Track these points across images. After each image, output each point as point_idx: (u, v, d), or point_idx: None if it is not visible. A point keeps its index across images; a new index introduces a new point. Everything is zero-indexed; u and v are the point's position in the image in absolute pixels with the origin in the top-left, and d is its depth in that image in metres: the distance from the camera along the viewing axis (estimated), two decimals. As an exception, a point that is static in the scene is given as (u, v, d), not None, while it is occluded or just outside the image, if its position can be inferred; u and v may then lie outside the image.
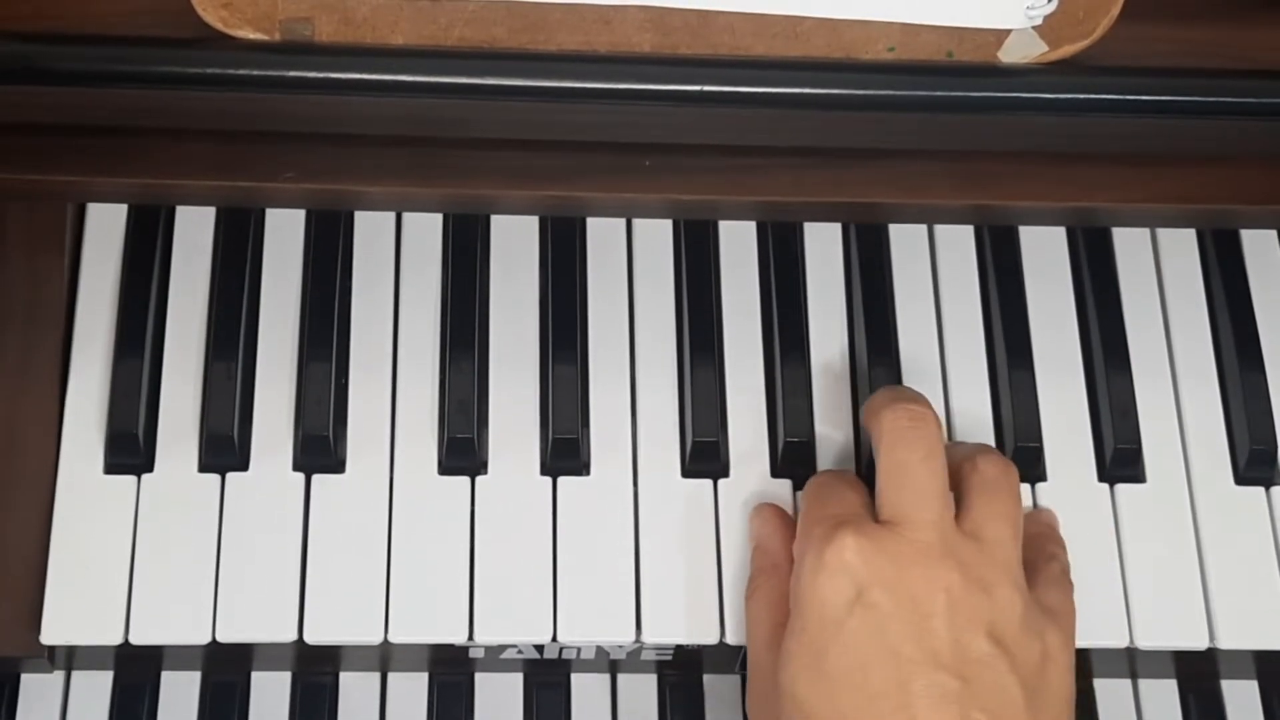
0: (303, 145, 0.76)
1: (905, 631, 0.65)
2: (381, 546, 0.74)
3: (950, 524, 0.68)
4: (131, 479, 0.74)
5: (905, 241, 0.81)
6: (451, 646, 0.74)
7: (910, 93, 0.71)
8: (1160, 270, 0.82)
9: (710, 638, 0.73)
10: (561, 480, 0.75)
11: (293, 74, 0.68)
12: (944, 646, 0.65)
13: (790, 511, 0.75)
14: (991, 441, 0.78)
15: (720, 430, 0.76)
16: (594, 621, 0.73)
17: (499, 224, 0.80)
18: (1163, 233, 0.82)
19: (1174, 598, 0.75)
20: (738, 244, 0.80)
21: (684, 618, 0.74)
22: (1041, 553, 0.72)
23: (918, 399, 0.71)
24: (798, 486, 0.76)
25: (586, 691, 0.78)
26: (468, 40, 0.70)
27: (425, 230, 0.80)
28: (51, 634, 0.72)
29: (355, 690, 0.77)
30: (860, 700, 0.65)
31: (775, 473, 0.76)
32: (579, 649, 0.76)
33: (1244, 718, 0.80)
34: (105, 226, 0.78)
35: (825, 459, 0.77)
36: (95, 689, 0.76)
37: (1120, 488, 0.77)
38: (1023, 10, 0.71)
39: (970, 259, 0.81)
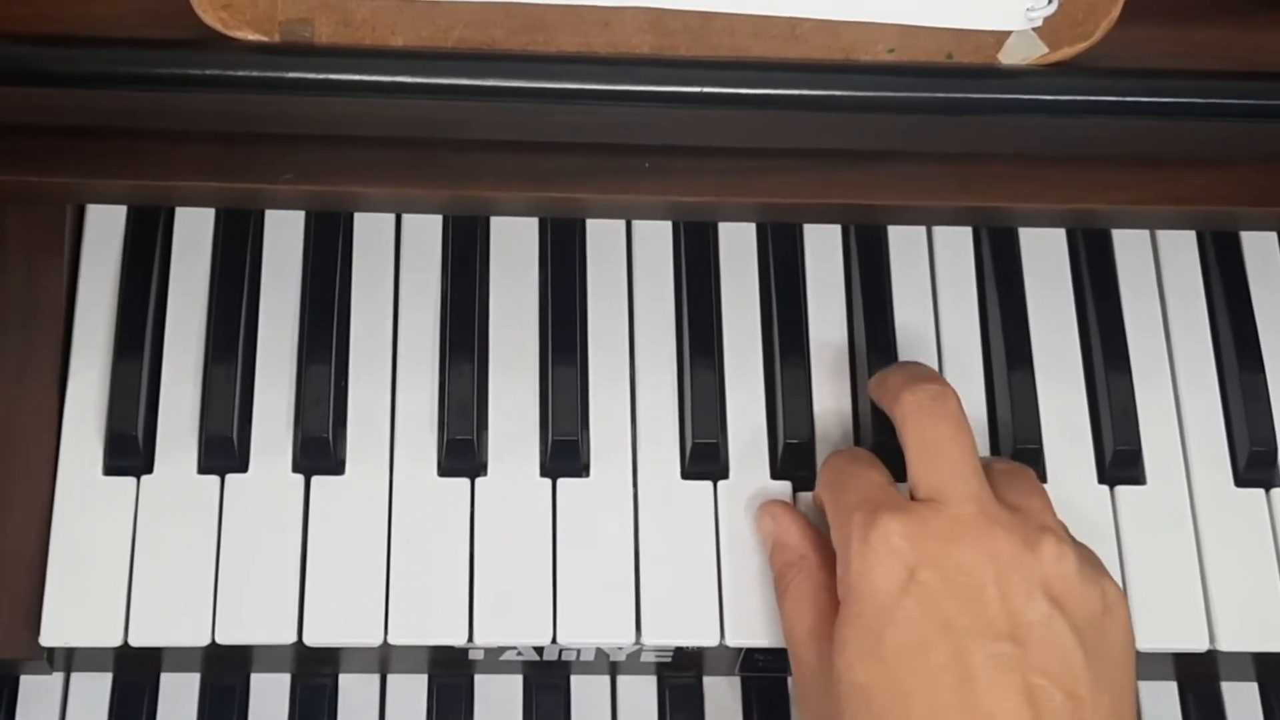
0: (302, 146, 0.76)
1: (959, 605, 0.65)
2: (381, 548, 0.73)
3: (989, 495, 0.68)
4: (131, 480, 0.74)
5: (904, 243, 0.81)
6: (451, 648, 0.74)
7: (910, 94, 0.71)
8: (1160, 272, 0.82)
9: (710, 639, 0.73)
10: (561, 482, 0.75)
11: (292, 75, 0.68)
12: (998, 614, 0.65)
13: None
14: (989, 443, 0.78)
15: (720, 432, 0.76)
16: (594, 623, 0.73)
17: (498, 225, 0.80)
18: (1162, 234, 0.82)
19: (1174, 599, 0.75)
20: (737, 246, 0.80)
21: (684, 619, 0.73)
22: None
23: (934, 376, 0.72)
24: (798, 488, 0.76)
25: (586, 693, 0.78)
26: (467, 41, 0.70)
27: (425, 232, 0.79)
28: (51, 635, 0.72)
29: (355, 692, 0.77)
30: (921, 677, 0.65)
31: (775, 474, 0.76)
32: (579, 651, 0.76)
33: (1244, 719, 0.80)
34: (105, 228, 0.78)
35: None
36: (94, 690, 0.76)
37: (1120, 489, 0.77)
38: (1023, 12, 0.71)
39: (969, 261, 0.81)
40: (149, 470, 0.74)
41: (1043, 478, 0.77)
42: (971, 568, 0.66)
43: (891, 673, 0.65)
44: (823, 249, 0.80)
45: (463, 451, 0.75)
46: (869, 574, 0.66)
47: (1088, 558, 0.69)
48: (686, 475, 0.76)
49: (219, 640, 0.72)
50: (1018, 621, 0.65)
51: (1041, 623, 0.65)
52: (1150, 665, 0.79)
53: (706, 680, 0.78)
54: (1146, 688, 0.80)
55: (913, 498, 0.69)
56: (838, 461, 0.73)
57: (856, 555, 0.67)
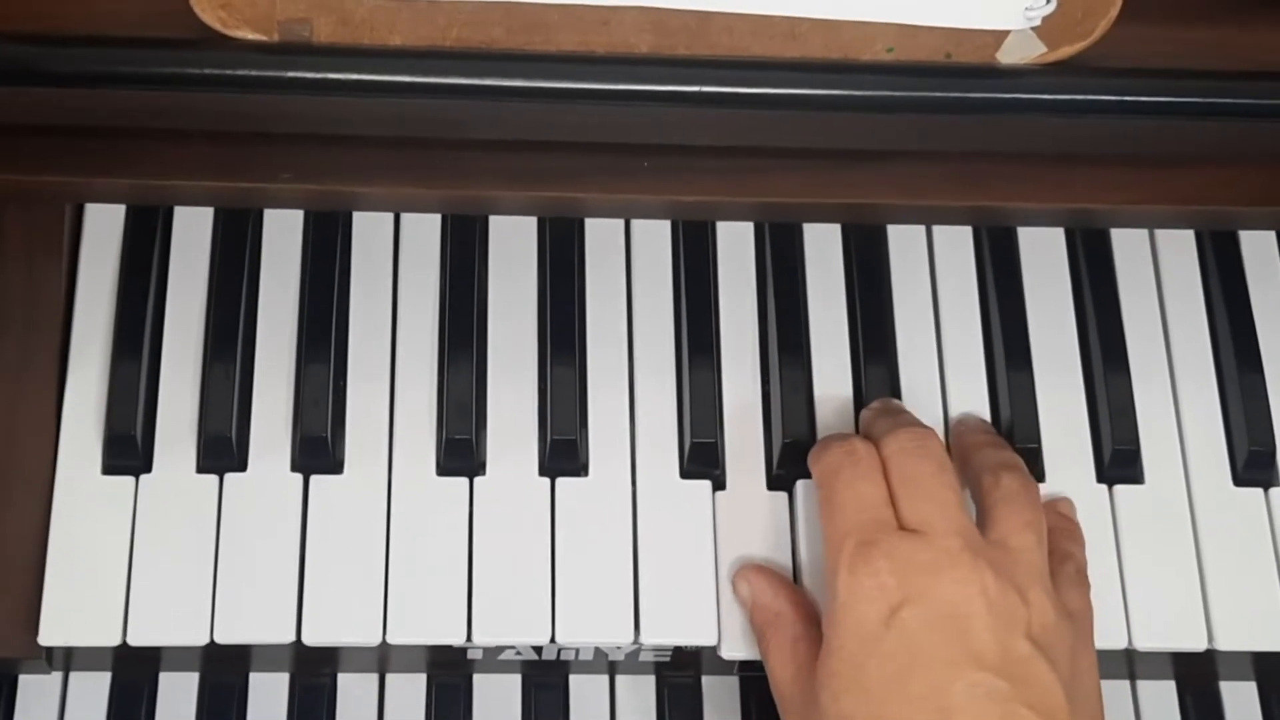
0: (301, 146, 0.76)
1: (945, 636, 0.66)
2: (380, 547, 0.73)
3: (974, 531, 0.69)
4: (129, 480, 0.74)
5: (904, 242, 0.81)
6: (450, 648, 0.74)
7: (909, 94, 0.71)
8: (1159, 272, 0.82)
9: (709, 639, 0.73)
10: (560, 481, 0.75)
11: (291, 74, 0.68)
12: (987, 647, 0.66)
13: (785, 519, 0.76)
14: (990, 442, 0.78)
15: (718, 432, 0.76)
16: (592, 622, 0.73)
17: (497, 225, 0.80)
18: (1161, 234, 0.82)
19: (1172, 599, 0.75)
20: (736, 245, 0.80)
21: (682, 619, 0.73)
22: (1056, 552, 0.73)
23: (917, 422, 0.73)
24: (795, 485, 0.76)
25: (585, 693, 0.78)
26: (466, 41, 0.70)
27: (424, 231, 0.79)
28: (49, 635, 0.72)
29: (353, 692, 0.77)
30: (901, 706, 0.65)
31: (773, 474, 0.76)
32: (577, 650, 0.76)
33: (1242, 719, 0.80)
34: (103, 227, 0.78)
35: (824, 460, 0.76)
36: (93, 690, 0.76)
37: (1119, 489, 0.77)
38: (1021, 11, 0.70)
39: (969, 260, 0.81)
40: (148, 470, 0.74)
41: (1041, 477, 0.77)
42: (959, 600, 0.66)
43: (874, 702, 0.66)
44: (822, 248, 0.80)
45: (461, 451, 0.75)
46: (854, 606, 0.67)
47: (1067, 605, 0.70)
48: (685, 475, 0.76)
49: (218, 640, 0.72)
50: (1005, 657, 0.66)
51: (1027, 661, 0.66)
52: (1149, 665, 0.79)
53: (705, 680, 0.78)
54: (1145, 687, 0.80)
55: (901, 525, 0.69)
56: (835, 461, 0.72)
57: (843, 586, 0.68)
